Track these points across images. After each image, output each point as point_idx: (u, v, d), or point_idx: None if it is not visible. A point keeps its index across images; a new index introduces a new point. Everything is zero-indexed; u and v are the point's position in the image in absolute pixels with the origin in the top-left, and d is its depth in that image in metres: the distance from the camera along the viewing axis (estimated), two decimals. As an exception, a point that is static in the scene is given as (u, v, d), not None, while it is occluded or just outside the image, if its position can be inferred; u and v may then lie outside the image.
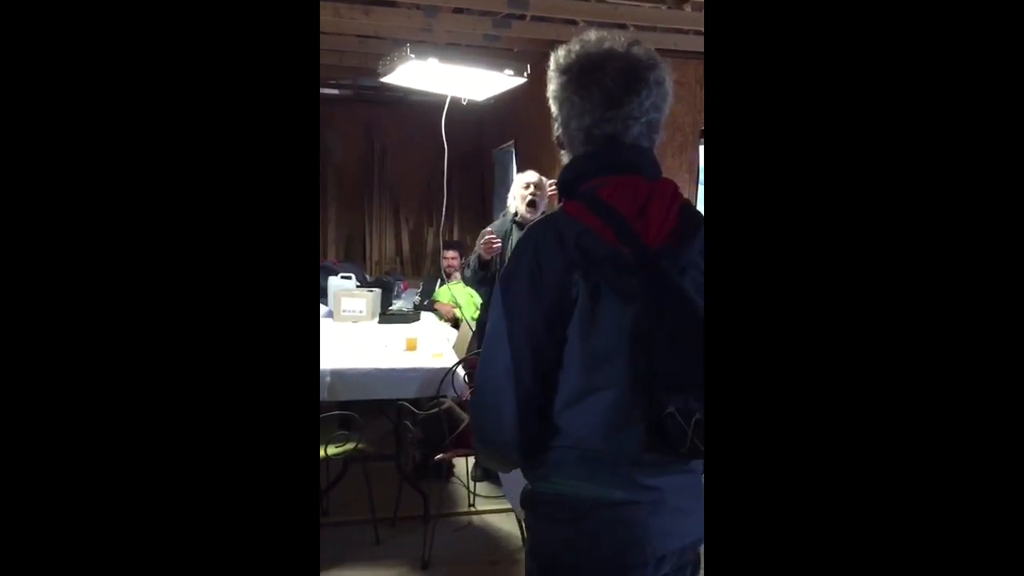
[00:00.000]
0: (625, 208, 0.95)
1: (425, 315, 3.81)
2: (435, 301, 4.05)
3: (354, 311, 3.57)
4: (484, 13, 3.51)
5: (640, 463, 0.94)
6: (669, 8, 3.42)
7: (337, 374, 2.41)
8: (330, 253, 6.37)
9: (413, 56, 2.25)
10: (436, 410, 2.45)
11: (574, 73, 0.99)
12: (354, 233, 6.63)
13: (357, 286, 3.85)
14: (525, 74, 2.43)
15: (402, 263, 6.67)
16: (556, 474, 0.98)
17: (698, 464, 0.99)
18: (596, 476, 0.95)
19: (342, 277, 3.89)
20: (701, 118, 4.16)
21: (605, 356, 0.92)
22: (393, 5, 3.47)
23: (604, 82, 0.97)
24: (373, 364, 2.51)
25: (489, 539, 2.69)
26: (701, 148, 4.27)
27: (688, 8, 3.40)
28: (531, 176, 2.91)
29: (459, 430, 2.47)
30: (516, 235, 2.86)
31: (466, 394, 2.40)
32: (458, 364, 2.47)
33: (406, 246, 6.73)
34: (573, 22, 3.49)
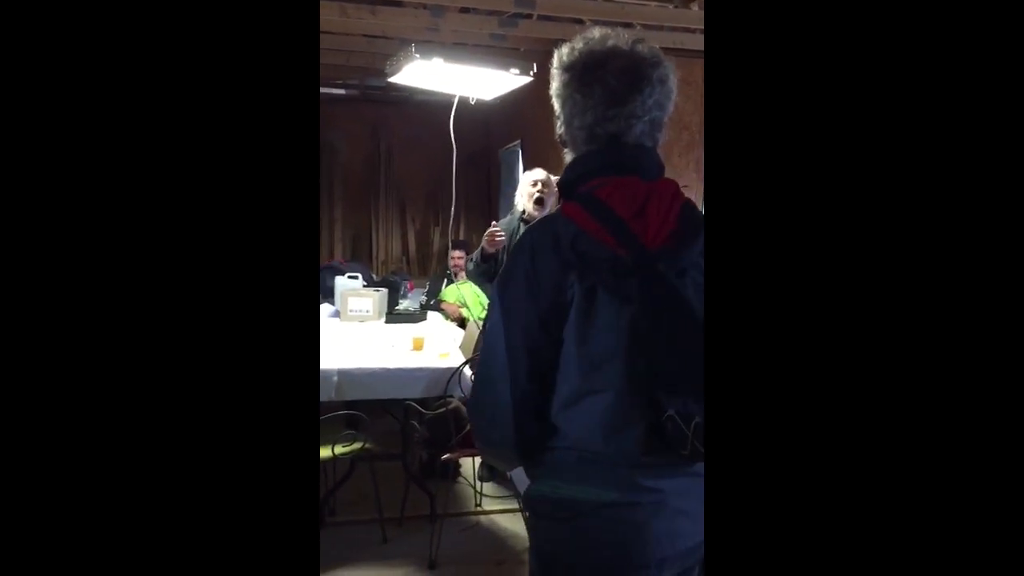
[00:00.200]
0: (623, 209, 0.94)
1: (432, 315, 3.81)
2: (441, 301, 4.06)
3: (361, 311, 3.58)
4: (491, 12, 3.51)
5: (641, 465, 0.93)
6: (676, 7, 3.41)
7: (344, 374, 2.42)
8: (336, 252, 6.39)
9: (418, 56, 2.25)
10: (443, 410, 2.45)
11: (577, 71, 0.98)
12: (360, 232, 6.64)
13: (364, 286, 3.86)
14: (531, 73, 2.42)
15: (408, 263, 6.68)
16: (555, 474, 0.98)
17: (702, 467, 0.98)
18: (595, 477, 0.94)
19: (349, 277, 3.90)
20: (708, 117, 4.15)
21: (602, 358, 0.92)
22: (399, 5, 3.48)
23: (607, 80, 0.96)
24: (380, 364, 2.51)
25: (496, 539, 2.69)
26: (708, 147, 4.25)
27: (695, 7, 3.39)
28: (539, 174, 2.91)
29: (466, 430, 2.47)
30: (522, 231, 2.85)
31: (472, 394, 2.40)
32: (465, 364, 2.47)
33: (412, 246, 6.74)
34: (580, 21, 3.49)
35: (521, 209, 2.93)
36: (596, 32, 1.00)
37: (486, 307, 3.41)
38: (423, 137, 6.20)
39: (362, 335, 3.16)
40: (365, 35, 4.05)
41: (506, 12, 3.46)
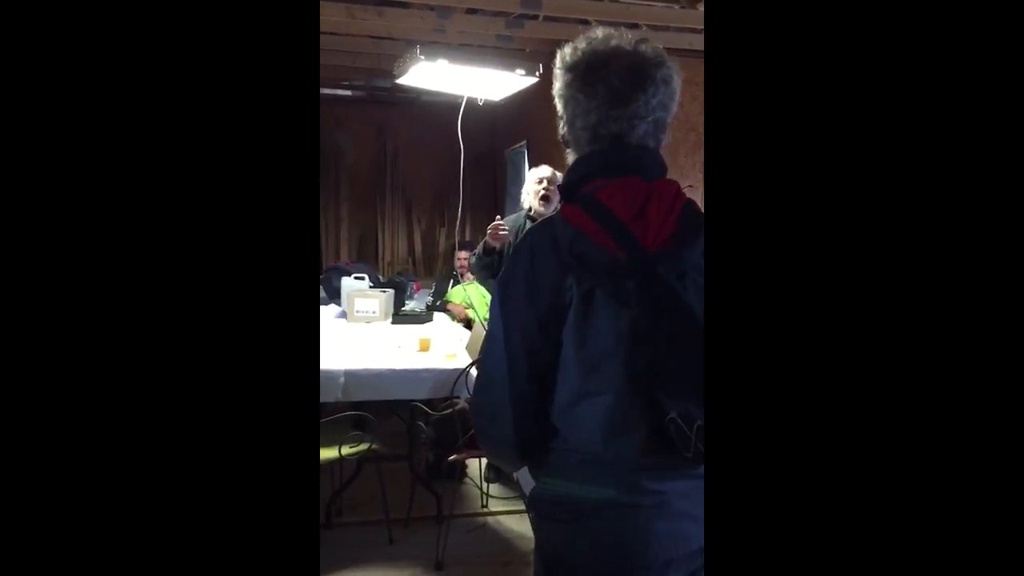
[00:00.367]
0: (623, 211, 0.94)
1: (438, 316, 3.81)
2: (448, 302, 4.06)
3: (367, 311, 3.58)
4: (497, 13, 3.51)
5: (643, 467, 0.93)
6: (682, 8, 3.40)
7: (350, 375, 2.42)
8: (343, 253, 6.40)
9: (423, 58, 2.25)
10: (449, 411, 2.45)
11: (580, 71, 0.98)
12: (366, 233, 6.65)
13: (370, 287, 3.86)
14: (537, 73, 2.42)
15: (414, 263, 6.69)
16: (557, 475, 0.98)
17: None
18: (596, 479, 0.94)
19: (355, 278, 3.90)
20: (715, 117, 4.13)
21: (601, 360, 0.92)
22: (406, 6, 3.48)
23: (610, 80, 0.96)
24: (386, 365, 2.52)
25: (502, 540, 2.69)
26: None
27: (701, 8, 3.38)
28: (544, 171, 2.90)
29: (472, 431, 2.47)
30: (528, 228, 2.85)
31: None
32: (471, 365, 2.47)
33: (418, 246, 6.74)
34: (586, 22, 3.48)
35: (528, 207, 2.93)
36: (599, 32, 1.00)
37: (492, 308, 3.40)
38: (429, 138, 6.21)
39: (368, 336, 3.17)
40: (371, 36, 4.05)
41: (512, 13, 3.45)
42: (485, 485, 3.01)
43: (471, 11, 3.49)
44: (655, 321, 0.90)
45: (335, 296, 3.98)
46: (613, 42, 0.99)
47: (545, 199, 2.82)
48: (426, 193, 6.69)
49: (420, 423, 2.61)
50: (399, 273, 5.97)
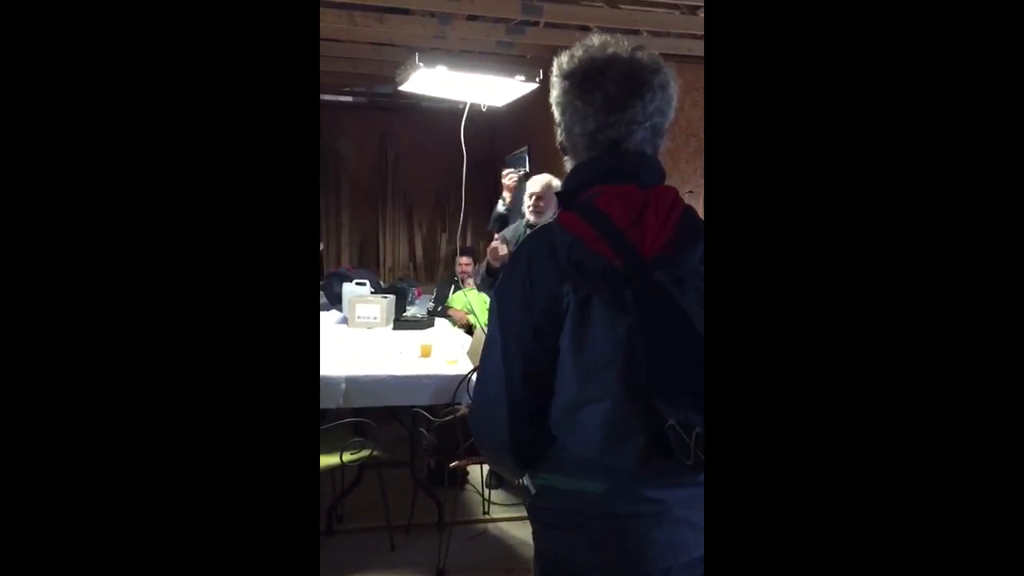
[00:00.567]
0: (621, 217, 0.94)
1: (439, 321, 3.81)
2: (449, 307, 4.06)
3: (369, 317, 3.58)
4: (498, 20, 3.52)
5: (643, 475, 0.93)
6: (683, 13, 3.41)
7: (352, 381, 2.42)
8: (344, 259, 6.41)
9: (422, 65, 2.26)
10: (451, 417, 2.45)
11: (577, 78, 0.99)
12: (368, 239, 6.66)
13: (372, 292, 3.86)
14: (537, 80, 2.43)
15: (415, 269, 6.69)
16: (556, 483, 0.98)
17: None
18: (595, 487, 0.94)
19: (357, 283, 3.90)
20: (715, 123, 4.14)
21: (599, 367, 0.92)
22: (407, 13, 3.49)
23: (607, 87, 0.96)
24: (388, 371, 2.52)
25: (504, 547, 2.68)
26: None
27: (702, 14, 3.39)
28: (534, 185, 2.94)
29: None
30: None
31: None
32: (473, 371, 2.47)
33: (419, 252, 6.75)
34: (587, 28, 3.50)
35: (526, 219, 2.96)
36: (595, 40, 1.01)
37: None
38: (430, 144, 6.22)
39: (370, 342, 3.17)
40: (372, 43, 4.07)
41: (513, 20, 3.47)
42: (487, 491, 3.00)
43: (472, 18, 3.50)
44: (653, 328, 0.90)
45: (336, 302, 3.98)
46: (610, 49, 0.99)
47: (537, 213, 2.86)
48: (427, 198, 6.70)
49: (422, 429, 2.60)
50: (400, 279, 5.97)
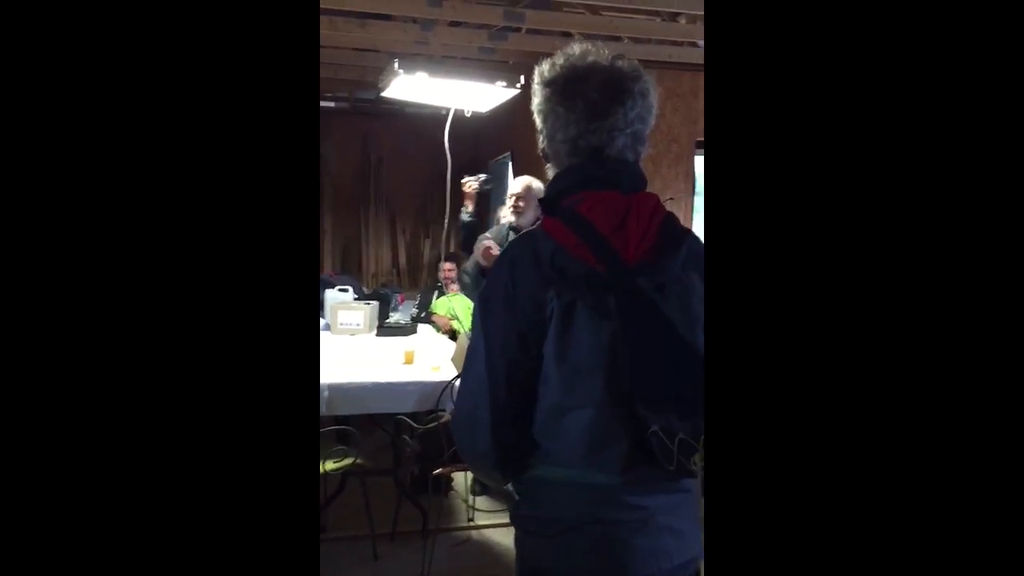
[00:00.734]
0: (604, 224, 0.95)
1: (422, 327, 3.80)
2: (432, 313, 4.04)
3: (351, 324, 3.56)
4: (480, 26, 3.53)
5: (626, 482, 0.93)
6: (663, 20, 3.44)
7: (335, 388, 2.40)
8: (326, 265, 6.36)
9: (402, 71, 2.25)
10: (435, 424, 2.44)
11: (559, 85, 1.00)
12: (350, 244, 6.63)
13: (355, 299, 3.84)
14: (518, 85, 2.43)
15: (399, 275, 6.67)
16: (539, 491, 0.98)
17: (691, 483, 0.98)
18: (578, 494, 0.94)
19: (339, 290, 3.88)
20: (697, 128, 4.18)
21: (582, 374, 0.92)
22: (389, 19, 3.49)
23: (588, 94, 0.97)
24: (371, 378, 2.50)
25: (488, 554, 2.67)
26: (697, 158, 4.28)
27: (682, 21, 3.42)
28: (516, 187, 2.94)
29: (458, 444, 2.45)
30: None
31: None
32: (456, 377, 2.46)
33: (403, 258, 6.72)
34: (568, 34, 3.51)
35: (507, 221, 2.97)
36: (576, 48, 1.02)
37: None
38: (412, 149, 6.21)
39: (353, 349, 3.15)
40: (354, 48, 4.06)
41: (495, 26, 3.47)
42: (471, 498, 2.99)
43: (454, 24, 3.50)
44: (636, 334, 0.90)
45: (318, 308, 3.96)
46: (591, 58, 1.00)
47: (518, 213, 2.86)
48: (410, 204, 6.68)
49: (405, 436, 2.59)
50: (383, 285, 5.94)
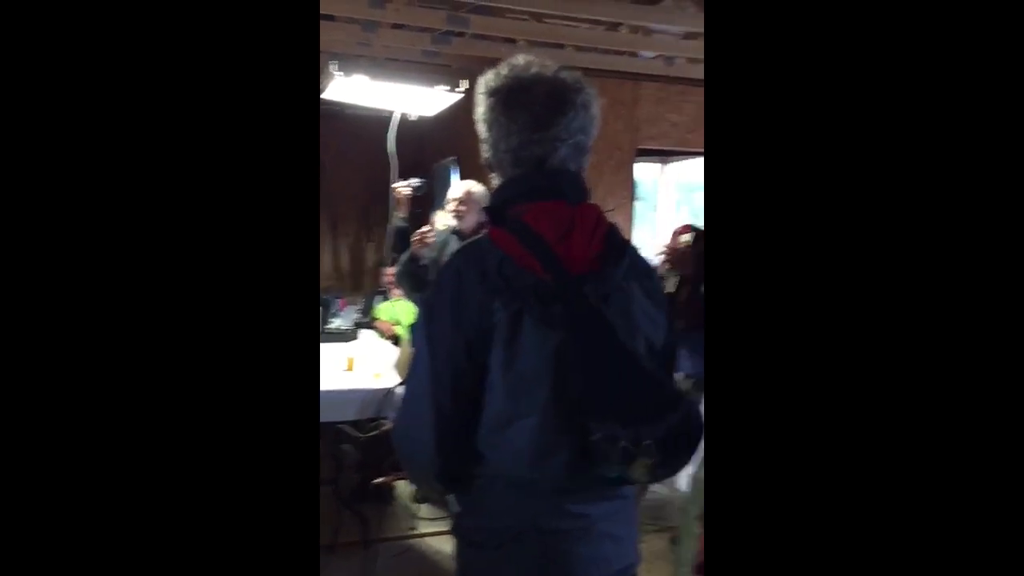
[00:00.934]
0: (550, 234, 0.95)
1: (365, 333, 3.73)
2: (375, 318, 3.98)
3: (290, 330, 3.46)
4: (423, 29, 3.50)
5: (567, 490, 0.93)
6: (606, 30, 3.49)
7: (272, 397, 2.33)
8: (265, 269, 6.20)
9: (340, 73, 2.21)
10: (376, 432, 2.39)
11: (502, 95, 1.00)
12: (290, 249, 6.48)
13: (293, 304, 3.74)
14: (459, 89, 2.42)
15: (340, 279, 6.55)
16: (483, 502, 0.97)
17: (630, 490, 1.00)
18: (522, 504, 0.94)
19: (277, 295, 3.77)
20: (638, 136, 4.26)
21: (528, 383, 0.92)
22: (331, 19, 3.42)
23: (531, 105, 0.98)
24: (310, 385, 2.43)
25: (431, 562, 2.64)
26: (636, 166, 4.37)
27: (623, 31, 3.48)
28: (456, 192, 2.94)
29: (400, 451, 2.41)
30: (453, 245, 2.89)
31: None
32: (400, 384, 2.42)
33: (344, 262, 6.61)
34: (513, 41, 3.53)
35: (449, 225, 2.96)
36: (520, 59, 1.03)
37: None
38: (352, 152, 6.11)
39: (291, 355, 3.06)
40: (295, 48, 3.96)
41: (439, 29, 3.45)
42: (414, 506, 2.95)
43: (397, 26, 3.46)
44: (581, 343, 0.91)
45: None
46: (534, 69, 1.01)
47: (459, 218, 2.86)
48: (352, 208, 6.57)
49: (346, 445, 2.53)
50: (324, 289, 5.82)
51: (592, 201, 1.06)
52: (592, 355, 0.91)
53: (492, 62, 1.04)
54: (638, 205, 4.42)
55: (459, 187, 2.93)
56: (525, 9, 3.20)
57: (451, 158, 5.37)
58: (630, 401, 0.89)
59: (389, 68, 3.20)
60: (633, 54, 3.77)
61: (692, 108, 4.41)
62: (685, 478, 2.26)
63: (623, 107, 4.14)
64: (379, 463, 2.44)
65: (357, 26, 3.44)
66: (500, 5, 3.00)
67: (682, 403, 0.92)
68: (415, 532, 2.85)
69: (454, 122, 4.84)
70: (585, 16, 3.26)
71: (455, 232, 2.91)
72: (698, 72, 3.94)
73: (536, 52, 3.52)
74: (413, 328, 1.02)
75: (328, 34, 3.49)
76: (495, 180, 1.06)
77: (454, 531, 1.03)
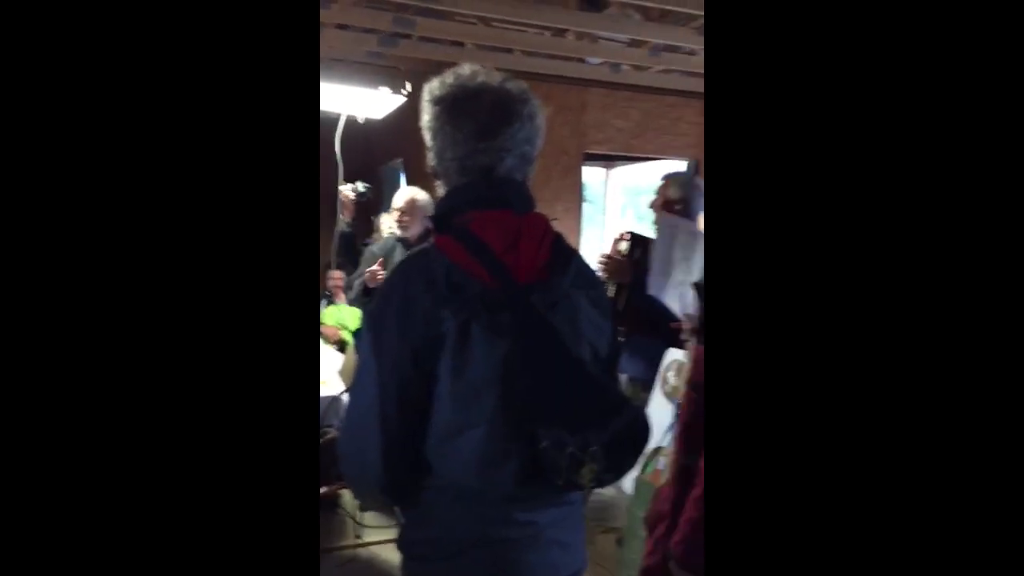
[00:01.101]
0: (497, 242, 0.95)
1: (309, 338, 3.65)
2: (320, 324, 3.90)
3: (230, 336, 3.36)
4: (368, 31, 3.46)
5: (515, 498, 0.93)
6: (553, 35, 3.52)
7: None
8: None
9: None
10: (320, 440, 2.34)
11: (448, 103, 1.00)
12: (231, 252, 6.30)
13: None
14: (403, 92, 2.40)
15: (284, 283, 6.40)
16: (430, 513, 0.96)
17: (577, 496, 1.01)
18: (470, 514, 0.94)
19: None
20: (585, 141, 4.31)
21: (476, 392, 0.91)
22: (273, 17, 3.34)
23: (477, 114, 0.98)
24: (251, 393, 2.36)
25: (377, 572, 2.59)
26: (583, 169, 4.42)
27: (570, 36, 3.52)
28: (399, 202, 2.94)
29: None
30: (399, 253, 2.89)
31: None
32: (345, 391, 2.38)
33: (288, 265, 6.47)
34: (460, 44, 3.52)
35: (393, 233, 2.96)
36: (466, 68, 1.02)
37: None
38: (299, 153, 5.99)
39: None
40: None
41: (384, 31, 3.41)
42: (358, 515, 2.90)
43: (341, 26, 3.41)
44: (529, 352, 0.91)
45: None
46: (480, 78, 1.01)
47: (403, 228, 2.88)
48: (296, 210, 6.44)
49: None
50: (267, 294, 5.67)
51: (541, 204, 1.06)
52: (540, 363, 0.91)
53: (439, 65, 1.03)
54: (586, 208, 4.48)
55: (402, 196, 2.92)
56: (472, 13, 3.20)
57: (398, 160, 5.32)
58: (577, 407, 0.90)
59: (334, 69, 3.15)
60: (580, 60, 3.81)
61: (637, 114, 4.50)
62: (630, 481, 2.29)
63: (570, 112, 4.18)
64: (324, 472, 2.39)
65: (301, 25, 3.37)
66: (447, 8, 2.99)
67: (627, 408, 0.93)
68: (361, 542, 2.79)
69: (402, 124, 4.80)
70: (532, 22, 3.28)
71: (400, 240, 2.89)
72: (643, 79, 4.01)
73: (483, 56, 3.53)
74: (358, 335, 1.01)
75: (270, 32, 3.41)
76: (440, 188, 1.06)
77: (399, 546, 1.02)
